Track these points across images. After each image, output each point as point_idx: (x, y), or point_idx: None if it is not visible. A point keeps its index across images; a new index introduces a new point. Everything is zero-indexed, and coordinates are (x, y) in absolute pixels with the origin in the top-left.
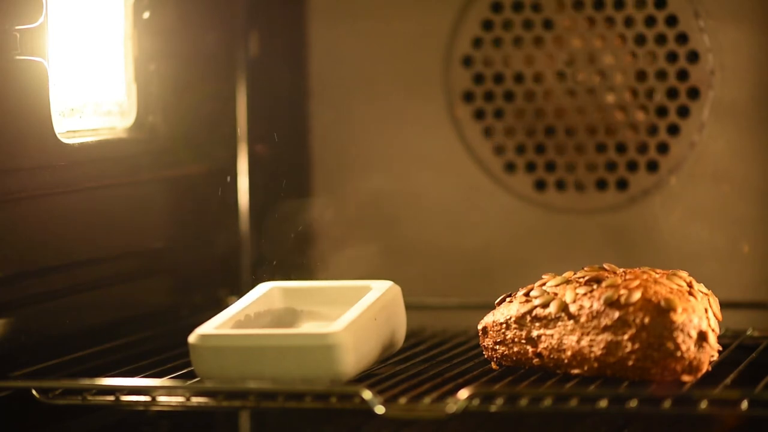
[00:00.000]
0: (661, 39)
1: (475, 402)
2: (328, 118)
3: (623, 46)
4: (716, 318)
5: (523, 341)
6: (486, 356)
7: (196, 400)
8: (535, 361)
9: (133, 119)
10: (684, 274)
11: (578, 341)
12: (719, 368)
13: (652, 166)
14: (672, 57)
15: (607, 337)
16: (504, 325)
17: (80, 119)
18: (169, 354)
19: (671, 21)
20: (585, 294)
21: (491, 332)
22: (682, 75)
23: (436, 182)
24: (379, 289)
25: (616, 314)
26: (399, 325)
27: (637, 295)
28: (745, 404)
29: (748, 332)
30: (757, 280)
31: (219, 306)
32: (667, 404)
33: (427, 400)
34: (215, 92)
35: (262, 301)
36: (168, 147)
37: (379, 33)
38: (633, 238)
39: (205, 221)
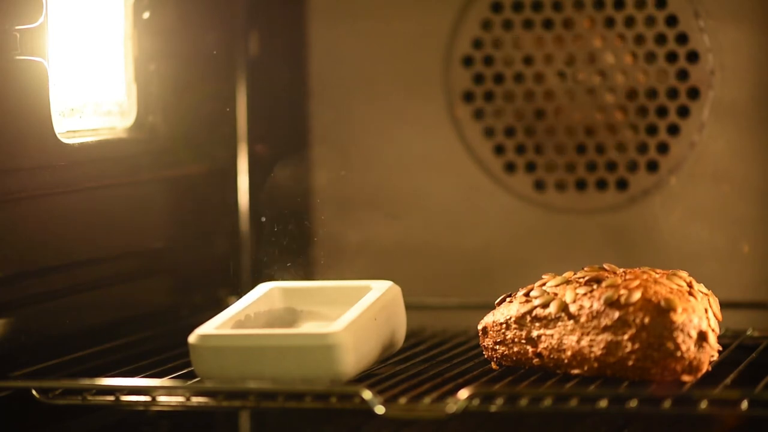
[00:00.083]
0: (661, 39)
1: (475, 402)
2: (328, 118)
3: (623, 46)
4: (716, 318)
5: (523, 341)
6: (486, 356)
7: (196, 400)
8: (535, 361)
9: (133, 119)
10: (684, 274)
11: (578, 341)
12: (719, 368)
13: (652, 166)
14: (672, 57)
15: (607, 337)
16: (504, 325)
17: (80, 119)
18: (169, 354)
19: (671, 21)
20: (585, 294)
21: (491, 332)
22: (682, 75)
23: (436, 182)
24: (379, 289)
25: (616, 314)
26: (399, 325)
27: (637, 295)
28: (745, 404)
29: (748, 332)
30: (757, 280)
31: (219, 306)
32: (667, 404)
33: (427, 400)
34: (215, 92)
35: (262, 301)
36: (168, 147)
37: (379, 33)
38: (633, 238)
39: (205, 221)
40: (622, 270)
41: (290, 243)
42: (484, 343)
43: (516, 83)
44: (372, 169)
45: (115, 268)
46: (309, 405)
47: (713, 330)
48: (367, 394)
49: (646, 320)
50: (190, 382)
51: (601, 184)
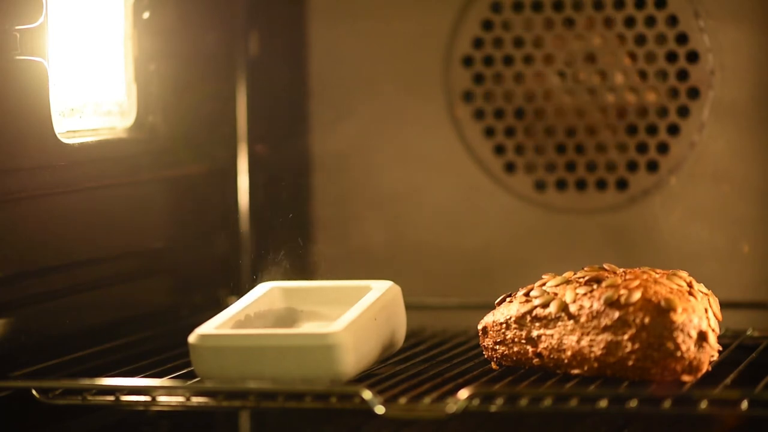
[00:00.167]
0: (661, 39)
1: (475, 402)
2: (328, 118)
3: (623, 46)
4: (716, 318)
5: (523, 341)
6: (486, 356)
7: (196, 400)
8: (535, 361)
9: (133, 119)
10: (684, 274)
11: (578, 341)
12: (719, 368)
13: (652, 166)
14: (672, 57)
15: (607, 337)
16: (504, 325)
17: (80, 119)
18: (169, 354)
19: (671, 21)
20: (585, 294)
21: (491, 332)
22: (682, 75)
23: (436, 182)
24: (379, 289)
25: (616, 314)
26: (399, 325)
27: (637, 295)
28: (745, 404)
29: (748, 332)
30: (757, 280)
31: (219, 306)
32: (667, 404)
33: (427, 400)
34: (215, 92)
35: (262, 301)
36: (168, 147)
37: (379, 33)
38: (633, 238)
39: (205, 221)
40: (622, 270)
41: (290, 243)
42: (484, 343)
43: (516, 83)
44: (372, 169)
45: (115, 268)
46: (309, 405)
47: (713, 330)
48: (367, 394)
49: (646, 320)
50: (190, 382)
51: (601, 184)
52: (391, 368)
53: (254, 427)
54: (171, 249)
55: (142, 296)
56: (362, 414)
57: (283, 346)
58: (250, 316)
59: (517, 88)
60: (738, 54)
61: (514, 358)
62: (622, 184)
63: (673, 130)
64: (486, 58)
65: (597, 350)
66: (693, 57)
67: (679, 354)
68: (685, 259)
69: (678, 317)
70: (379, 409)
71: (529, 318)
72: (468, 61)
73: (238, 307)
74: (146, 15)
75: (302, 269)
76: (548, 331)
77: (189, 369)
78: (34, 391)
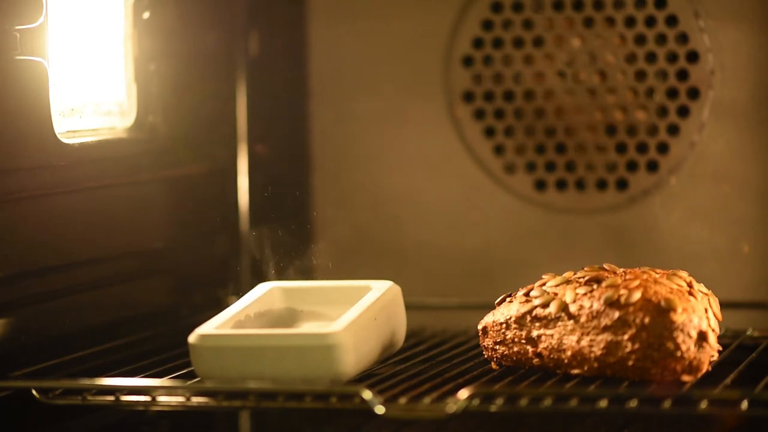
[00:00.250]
0: (661, 39)
1: (475, 402)
2: (328, 118)
3: (623, 46)
4: (716, 318)
5: (523, 341)
6: (486, 356)
7: (196, 400)
8: (535, 361)
9: (133, 119)
10: (684, 274)
11: (578, 341)
12: (719, 368)
13: (652, 166)
14: (672, 57)
15: (607, 337)
16: (504, 325)
17: (80, 119)
18: (169, 354)
19: (671, 21)
20: (585, 294)
21: (491, 332)
22: (682, 75)
23: (436, 182)
24: (379, 289)
25: (616, 314)
26: (399, 325)
27: (637, 295)
28: (745, 404)
29: (748, 332)
30: (757, 280)
31: (219, 306)
32: (667, 404)
33: (427, 400)
34: (215, 92)
35: (262, 301)
36: (168, 147)
37: (379, 33)
38: (633, 238)
39: (205, 221)
40: (622, 270)
41: (290, 243)
42: (484, 343)
43: (516, 83)
44: (372, 169)
45: (115, 268)
46: (309, 405)
47: (713, 330)
48: (367, 394)
49: (646, 320)
50: (190, 382)
51: (601, 184)
52: (391, 368)
53: (254, 427)
54: (171, 249)
55: (142, 296)
56: (362, 414)
57: (283, 346)
58: (250, 316)
59: (517, 88)
60: (738, 54)
61: (514, 358)
62: (622, 184)
63: (673, 130)
64: (486, 58)
65: (597, 350)
66: (693, 57)
67: (679, 354)
68: (685, 259)
69: (678, 317)
70: (379, 409)
71: (529, 318)
72: (468, 61)
73: (238, 307)
74: (146, 15)
75: (302, 269)
76: (548, 331)
77: (189, 369)
78: (34, 391)
